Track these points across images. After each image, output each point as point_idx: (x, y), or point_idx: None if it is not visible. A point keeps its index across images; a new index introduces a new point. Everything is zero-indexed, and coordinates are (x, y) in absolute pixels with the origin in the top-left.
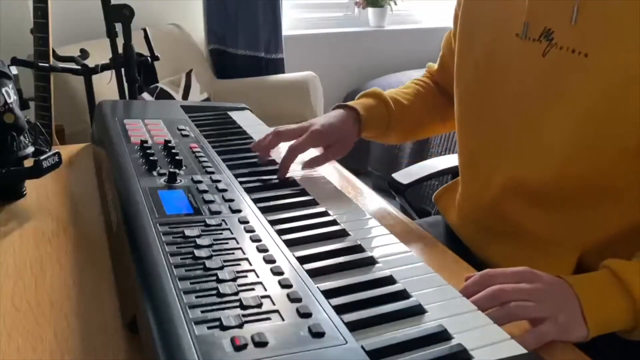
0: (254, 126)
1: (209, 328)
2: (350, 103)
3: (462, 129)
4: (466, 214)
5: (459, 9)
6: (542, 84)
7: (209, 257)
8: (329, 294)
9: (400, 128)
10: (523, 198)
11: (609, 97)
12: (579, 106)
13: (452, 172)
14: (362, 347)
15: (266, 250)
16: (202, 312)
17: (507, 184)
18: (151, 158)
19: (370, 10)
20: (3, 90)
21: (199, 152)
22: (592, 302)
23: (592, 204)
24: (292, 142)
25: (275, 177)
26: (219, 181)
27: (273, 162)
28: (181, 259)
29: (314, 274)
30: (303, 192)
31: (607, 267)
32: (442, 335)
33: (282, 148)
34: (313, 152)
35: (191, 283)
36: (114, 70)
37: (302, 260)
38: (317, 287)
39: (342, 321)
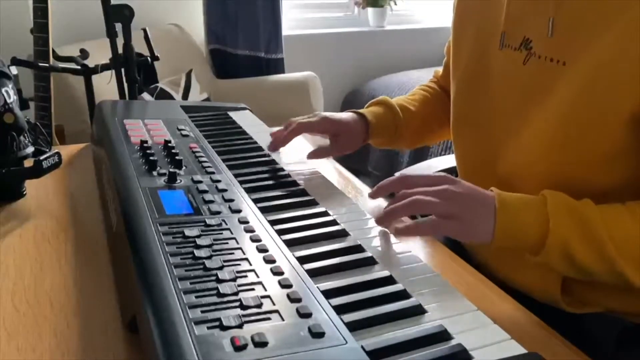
0: (254, 126)
1: (209, 328)
2: (358, 110)
3: (455, 133)
4: None
5: (454, 14)
6: (524, 91)
7: (209, 257)
8: (329, 294)
9: (409, 135)
10: None
11: (587, 103)
12: (558, 113)
13: (452, 172)
14: (362, 347)
15: (266, 250)
16: (202, 312)
17: (498, 188)
18: (151, 158)
19: (370, 10)
20: (3, 90)
21: (198, 152)
22: (508, 208)
23: None
24: (302, 120)
25: (274, 177)
26: (219, 181)
27: (273, 162)
28: (181, 259)
29: (314, 274)
30: (303, 192)
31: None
32: (442, 335)
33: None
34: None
35: (191, 283)
36: (114, 70)
37: (302, 260)
38: (317, 287)
39: (342, 321)
